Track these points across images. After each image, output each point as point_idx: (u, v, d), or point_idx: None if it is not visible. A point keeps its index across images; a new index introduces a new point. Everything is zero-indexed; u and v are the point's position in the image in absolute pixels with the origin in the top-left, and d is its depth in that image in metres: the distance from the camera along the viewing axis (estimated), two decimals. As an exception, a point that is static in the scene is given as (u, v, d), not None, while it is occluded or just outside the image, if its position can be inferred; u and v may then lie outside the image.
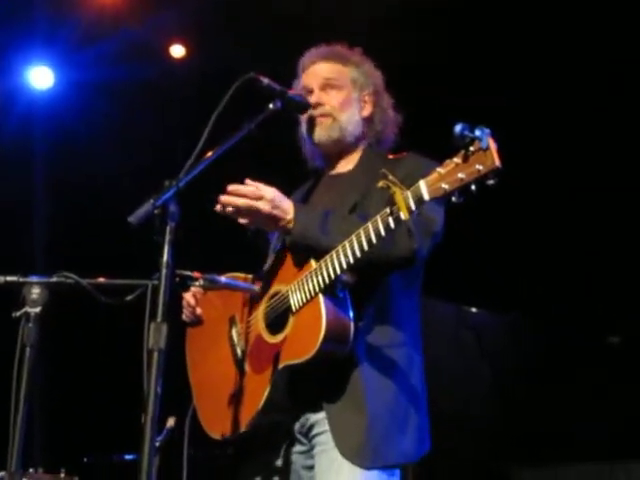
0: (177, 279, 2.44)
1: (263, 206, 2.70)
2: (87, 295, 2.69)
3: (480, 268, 6.10)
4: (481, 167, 2.18)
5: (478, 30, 5.76)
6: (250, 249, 3.14)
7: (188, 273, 2.63)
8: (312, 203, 3.04)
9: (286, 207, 2.74)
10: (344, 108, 3.03)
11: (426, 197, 2.31)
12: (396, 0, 5.57)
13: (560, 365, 6.04)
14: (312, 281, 2.65)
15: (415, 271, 2.91)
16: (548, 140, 5.90)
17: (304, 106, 2.98)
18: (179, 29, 6.57)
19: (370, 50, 3.17)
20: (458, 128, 2.18)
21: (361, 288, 2.70)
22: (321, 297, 2.63)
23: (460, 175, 2.22)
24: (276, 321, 2.78)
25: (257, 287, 2.88)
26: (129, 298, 2.61)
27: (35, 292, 2.64)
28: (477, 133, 2.18)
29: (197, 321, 3.08)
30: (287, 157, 3.27)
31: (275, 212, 2.72)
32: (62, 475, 4.36)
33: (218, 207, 2.73)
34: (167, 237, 2.36)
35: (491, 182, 2.18)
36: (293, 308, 2.71)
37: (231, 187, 2.72)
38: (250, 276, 2.99)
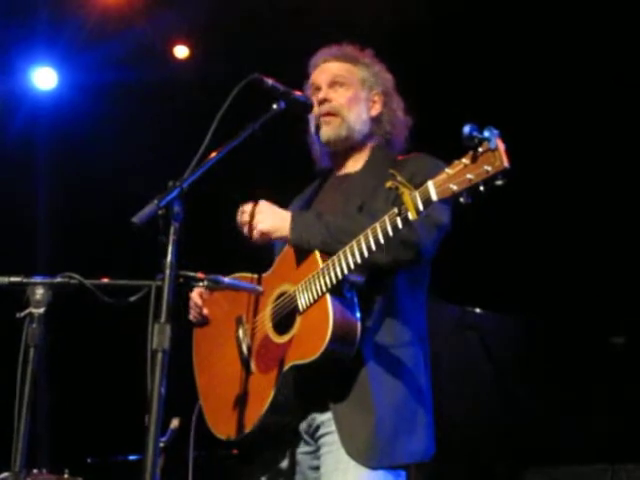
0: (181, 280, 2.43)
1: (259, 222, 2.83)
2: (91, 296, 2.68)
3: (483, 269, 6.10)
4: (489, 168, 2.18)
5: (484, 32, 5.76)
6: (256, 249, 3.14)
7: (192, 274, 2.63)
8: (319, 203, 3.05)
9: (282, 219, 2.83)
10: (351, 105, 3.04)
11: (434, 198, 2.32)
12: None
13: (563, 365, 6.03)
14: (319, 281, 2.66)
15: (422, 268, 2.91)
16: (553, 140, 5.89)
17: (308, 106, 2.98)
18: (183, 30, 6.57)
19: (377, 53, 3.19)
20: (467, 129, 2.18)
21: (367, 286, 2.71)
22: (328, 297, 2.64)
23: (469, 176, 2.22)
24: (283, 321, 2.79)
25: (261, 288, 2.88)
26: (133, 299, 2.60)
27: (39, 293, 2.63)
28: (486, 134, 2.18)
29: (204, 321, 3.09)
30: (296, 159, 3.28)
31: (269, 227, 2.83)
32: (66, 476, 4.38)
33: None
34: (171, 238, 2.37)
35: (500, 183, 2.18)
36: (300, 308, 2.72)
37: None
38: (256, 276, 2.99)
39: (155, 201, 2.37)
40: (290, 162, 4.12)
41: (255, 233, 2.86)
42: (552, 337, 6.08)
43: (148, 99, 6.40)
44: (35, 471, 4.28)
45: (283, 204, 3.05)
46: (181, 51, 6.66)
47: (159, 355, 2.27)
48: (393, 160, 2.98)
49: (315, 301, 2.67)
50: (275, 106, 2.81)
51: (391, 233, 2.48)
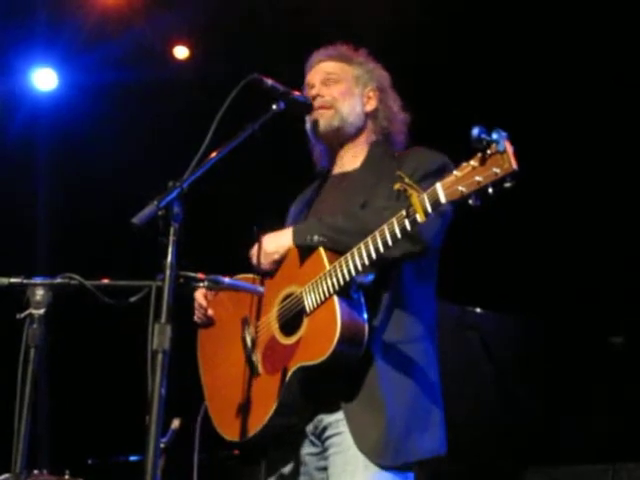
0: (181, 280, 2.43)
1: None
2: (91, 296, 2.68)
3: (484, 268, 6.10)
4: (498, 170, 2.18)
5: (484, 32, 5.76)
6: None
7: (192, 274, 2.63)
8: (320, 203, 3.06)
9: (283, 234, 2.88)
10: (345, 98, 3.06)
11: (443, 200, 2.32)
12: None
13: (563, 365, 6.02)
14: (327, 282, 2.66)
15: (429, 258, 2.90)
16: (555, 141, 5.89)
17: (308, 107, 2.99)
18: (182, 30, 6.57)
19: (376, 52, 3.19)
20: (475, 131, 2.18)
21: (374, 280, 2.71)
22: (336, 298, 2.64)
23: (477, 178, 2.22)
24: (290, 322, 2.79)
25: (262, 289, 2.88)
26: (133, 299, 2.60)
27: (39, 293, 2.63)
28: (494, 136, 2.18)
29: (208, 322, 3.09)
30: (296, 159, 3.28)
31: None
32: (67, 476, 4.38)
33: None
34: (171, 238, 2.37)
35: (509, 185, 2.18)
36: (307, 309, 2.72)
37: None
38: (259, 277, 2.98)
39: (155, 202, 2.37)
40: (290, 162, 4.12)
41: (262, 259, 2.88)
42: (552, 337, 6.08)
43: (148, 99, 6.39)
44: (36, 472, 4.28)
45: (283, 204, 3.05)
46: (181, 51, 6.66)
47: (159, 356, 2.27)
48: (392, 156, 2.98)
49: (322, 303, 2.67)
50: (275, 106, 2.81)
51: (399, 235, 2.49)
